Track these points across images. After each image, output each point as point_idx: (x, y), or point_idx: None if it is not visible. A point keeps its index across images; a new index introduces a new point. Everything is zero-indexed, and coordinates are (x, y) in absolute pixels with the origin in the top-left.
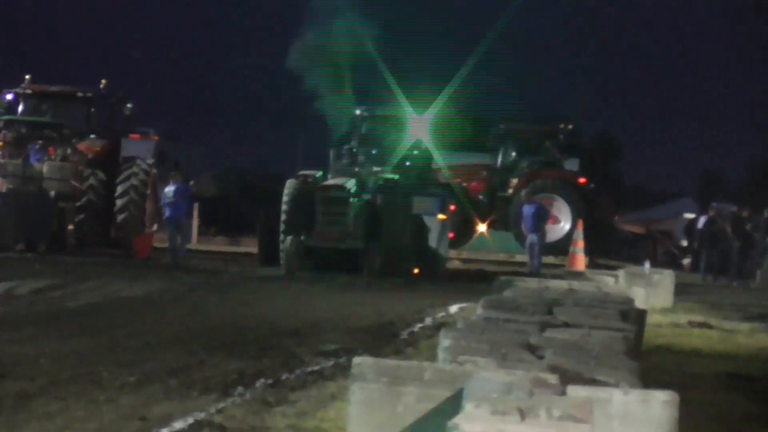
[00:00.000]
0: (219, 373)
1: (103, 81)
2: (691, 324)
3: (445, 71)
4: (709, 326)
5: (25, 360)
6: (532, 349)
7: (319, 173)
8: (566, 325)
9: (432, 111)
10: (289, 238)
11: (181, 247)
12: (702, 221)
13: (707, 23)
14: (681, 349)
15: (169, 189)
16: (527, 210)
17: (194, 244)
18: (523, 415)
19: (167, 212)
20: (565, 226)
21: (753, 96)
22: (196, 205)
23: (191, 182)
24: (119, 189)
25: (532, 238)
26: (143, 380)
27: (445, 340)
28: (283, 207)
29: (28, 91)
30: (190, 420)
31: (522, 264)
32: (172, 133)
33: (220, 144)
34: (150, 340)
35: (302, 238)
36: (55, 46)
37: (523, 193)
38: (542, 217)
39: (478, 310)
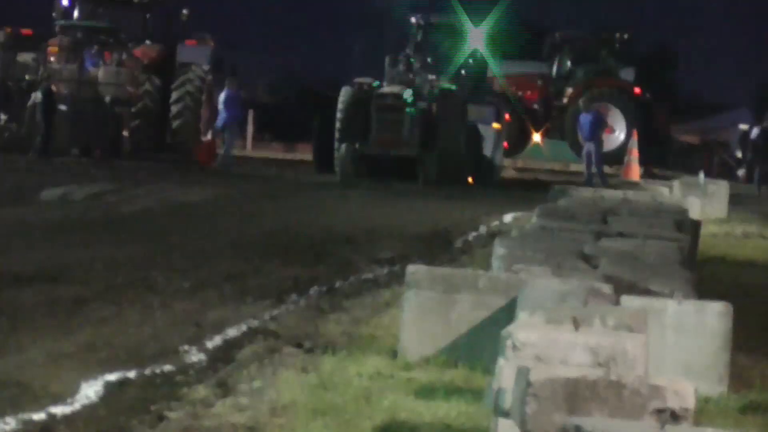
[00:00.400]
0: (273, 280)
1: None
2: (746, 235)
3: None
4: (764, 237)
5: (80, 265)
6: (586, 258)
7: (376, 81)
8: (621, 234)
9: (488, 19)
10: (344, 146)
11: (227, 151)
12: (755, 132)
13: None
14: (735, 260)
15: (221, 95)
16: (584, 118)
17: (249, 150)
18: (577, 323)
19: (218, 118)
20: (620, 135)
21: None
22: (251, 112)
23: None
24: (174, 95)
25: (588, 146)
26: (197, 286)
27: (499, 249)
28: (339, 114)
29: None
30: (244, 327)
31: (577, 173)
32: (228, 39)
33: (277, 50)
34: (205, 246)
35: (357, 145)
36: None
37: (581, 101)
38: (600, 125)
39: (533, 219)
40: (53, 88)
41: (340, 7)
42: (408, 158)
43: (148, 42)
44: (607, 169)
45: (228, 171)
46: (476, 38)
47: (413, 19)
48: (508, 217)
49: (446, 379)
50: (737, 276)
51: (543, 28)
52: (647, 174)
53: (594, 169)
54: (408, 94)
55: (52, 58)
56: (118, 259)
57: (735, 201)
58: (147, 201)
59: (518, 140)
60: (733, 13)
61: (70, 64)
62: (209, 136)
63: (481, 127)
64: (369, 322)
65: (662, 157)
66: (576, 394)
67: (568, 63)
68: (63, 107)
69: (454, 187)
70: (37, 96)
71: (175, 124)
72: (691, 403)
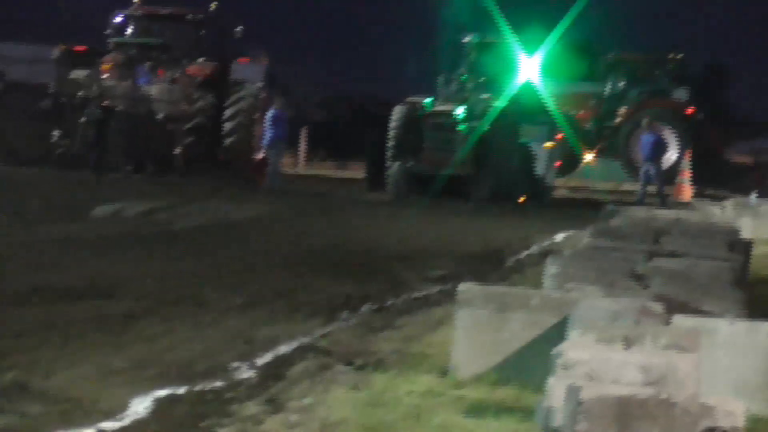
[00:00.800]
0: (325, 297)
1: (213, 4)
2: None
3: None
4: None
5: (132, 281)
6: (638, 277)
7: (428, 100)
8: (673, 254)
9: (542, 39)
10: (396, 164)
11: (273, 169)
12: None
13: None
14: None
15: (268, 114)
16: (646, 139)
17: (301, 168)
18: (628, 343)
19: (265, 137)
20: (673, 155)
21: None
22: (304, 129)
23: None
24: (228, 112)
25: (648, 167)
26: (249, 303)
27: (551, 268)
28: (391, 132)
29: (138, 13)
30: (295, 344)
31: (629, 193)
32: (281, 57)
33: (330, 68)
34: (256, 263)
35: (409, 163)
36: None
37: (644, 122)
38: (661, 147)
39: (585, 238)
40: (107, 104)
41: (395, 25)
42: (460, 177)
43: (201, 59)
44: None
45: (277, 189)
46: (530, 66)
47: (467, 39)
48: (560, 236)
49: (497, 398)
50: None
51: (597, 48)
52: (699, 194)
53: (648, 189)
54: (460, 111)
55: (105, 75)
56: (170, 275)
57: None
58: (199, 218)
59: (571, 159)
60: None
61: (124, 80)
62: (262, 154)
63: (534, 147)
64: (420, 340)
65: (715, 178)
66: (627, 413)
67: (622, 83)
68: (115, 124)
69: (506, 207)
70: (91, 113)
71: (228, 141)
72: (741, 422)
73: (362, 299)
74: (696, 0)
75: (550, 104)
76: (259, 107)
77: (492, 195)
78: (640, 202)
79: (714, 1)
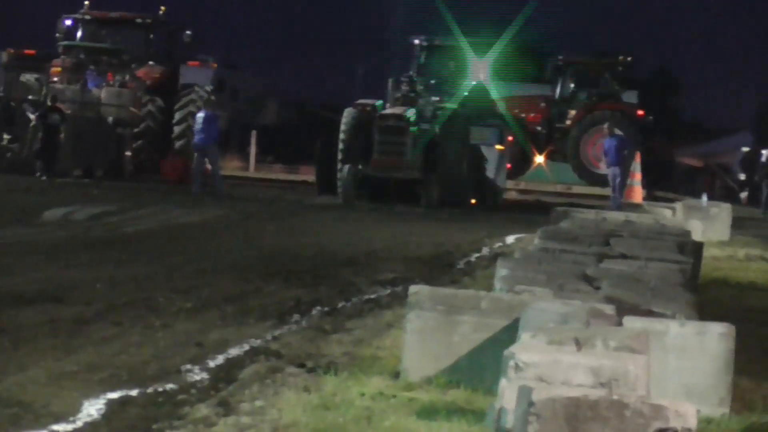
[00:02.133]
0: (275, 301)
1: (163, 8)
2: (748, 257)
3: (504, 2)
4: (766, 260)
5: (82, 285)
6: (588, 280)
7: (378, 102)
8: (623, 256)
9: (491, 41)
10: (346, 167)
11: (215, 174)
12: (765, 155)
13: None
14: (738, 282)
15: (199, 115)
16: (609, 143)
17: (251, 171)
18: (579, 345)
19: (195, 138)
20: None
21: None
22: (254, 133)
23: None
24: (177, 116)
25: (614, 171)
26: (199, 306)
27: (501, 270)
28: (341, 136)
29: (87, 17)
30: (246, 347)
31: (579, 196)
32: (229, 61)
33: (278, 72)
34: (206, 267)
35: (360, 167)
36: None
37: (605, 126)
38: (624, 150)
39: (535, 240)
40: (60, 107)
41: (343, 29)
42: (410, 180)
43: (151, 63)
44: (608, 191)
45: (223, 193)
46: (479, 68)
47: (416, 41)
48: (510, 239)
49: (448, 400)
50: (739, 299)
51: (546, 51)
52: (650, 196)
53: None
54: (410, 114)
55: (54, 79)
56: (120, 279)
57: (737, 224)
58: (149, 222)
59: (521, 162)
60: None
61: (73, 84)
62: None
63: (484, 149)
64: (371, 342)
65: (665, 180)
66: (578, 414)
67: (571, 86)
68: (63, 127)
69: (456, 209)
70: (43, 116)
71: (178, 144)
72: (693, 423)
73: (312, 303)
74: (645, 5)
75: (500, 107)
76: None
77: (442, 198)
78: (617, 207)
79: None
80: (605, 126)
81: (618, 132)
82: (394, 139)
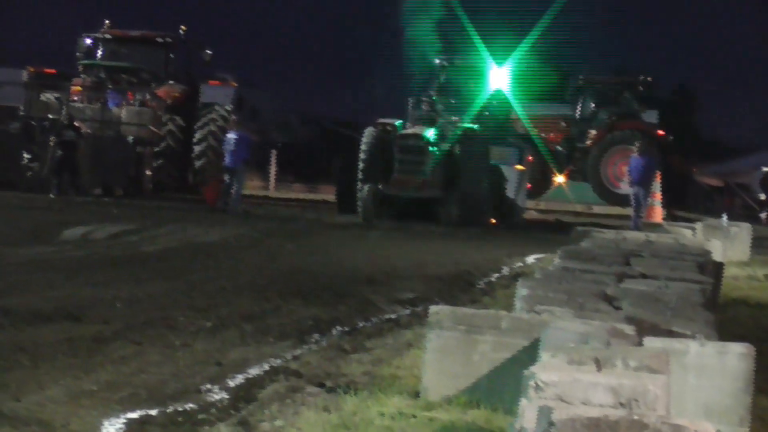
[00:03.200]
0: (295, 320)
1: (183, 27)
2: None
3: (526, 22)
4: None
5: (101, 303)
6: (608, 299)
7: (398, 122)
8: (643, 276)
9: (512, 61)
10: (366, 186)
11: (236, 194)
12: None
13: None
14: (757, 302)
15: (230, 136)
16: (636, 162)
17: (271, 191)
18: (599, 365)
19: (225, 159)
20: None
21: None
22: (273, 152)
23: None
24: (198, 135)
25: (638, 191)
26: (219, 325)
27: (522, 290)
28: (362, 155)
29: (107, 36)
30: (266, 366)
31: (599, 215)
32: (249, 80)
33: (299, 91)
34: (226, 286)
35: (380, 186)
36: None
37: (636, 144)
38: (652, 171)
39: (555, 260)
40: (79, 126)
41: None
42: (430, 199)
43: (171, 82)
44: (629, 211)
45: (240, 213)
46: (500, 79)
47: (437, 61)
48: (530, 259)
49: (468, 419)
50: (759, 318)
51: (567, 70)
52: (670, 216)
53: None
54: (430, 134)
55: (75, 98)
56: (139, 298)
57: (757, 244)
58: (168, 241)
59: (541, 181)
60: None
61: (93, 103)
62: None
63: (504, 169)
64: (391, 362)
65: (685, 200)
66: None
67: (592, 105)
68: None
69: (476, 229)
70: (60, 134)
71: (198, 163)
72: None
73: (332, 322)
74: (665, 24)
75: (521, 126)
76: (228, 130)
77: (462, 217)
78: (636, 227)
79: (683, 25)
80: (636, 144)
81: (647, 152)
82: (414, 159)
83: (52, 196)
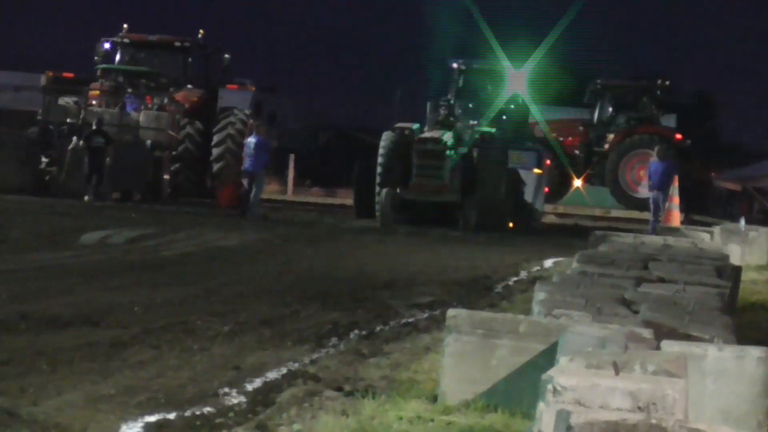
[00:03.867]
0: (313, 324)
1: (201, 31)
2: None
3: (544, 25)
4: None
5: (119, 308)
6: (626, 303)
7: (416, 126)
8: (661, 280)
9: (530, 65)
10: (384, 191)
11: (255, 199)
12: None
13: None
14: None
15: (250, 140)
16: (656, 166)
17: (289, 195)
18: (617, 369)
19: (245, 164)
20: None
21: None
22: (291, 157)
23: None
24: (216, 139)
25: (657, 195)
26: (237, 330)
27: (540, 294)
28: (380, 159)
29: (126, 40)
30: (284, 370)
31: (617, 219)
32: (268, 85)
33: (315, 95)
34: (244, 290)
35: (398, 190)
36: None
37: (657, 149)
38: (671, 175)
39: (573, 264)
40: (101, 131)
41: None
42: (448, 203)
43: (189, 86)
44: (647, 215)
45: (256, 218)
46: (518, 83)
47: (455, 65)
48: (548, 263)
49: (486, 424)
50: None
51: (585, 74)
52: (688, 220)
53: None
54: (448, 138)
55: (93, 102)
56: (157, 302)
57: None
58: (186, 245)
59: (559, 186)
60: None
61: (111, 107)
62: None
63: (522, 173)
64: (409, 366)
65: (703, 204)
66: None
67: (610, 109)
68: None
69: (494, 233)
70: (89, 139)
71: (216, 167)
72: None
73: (350, 326)
74: (684, 28)
75: (539, 131)
76: (247, 134)
77: (480, 222)
78: (653, 231)
79: (702, 29)
80: (656, 149)
81: (667, 156)
82: (433, 163)
83: (86, 198)
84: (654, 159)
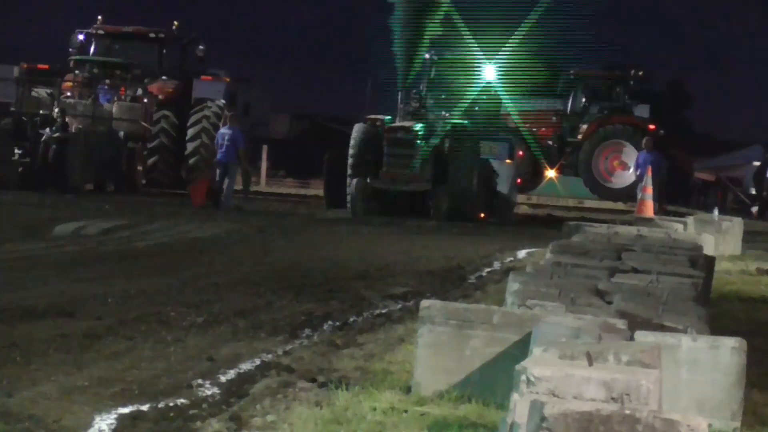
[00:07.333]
0: (287, 315)
1: (175, 22)
2: (760, 271)
3: (517, 15)
4: None
5: (93, 299)
6: (600, 294)
7: (388, 117)
8: (635, 270)
9: (502, 56)
10: (355, 181)
11: (228, 190)
12: None
13: None
14: (749, 297)
15: (224, 132)
16: (644, 157)
17: (263, 186)
18: (591, 359)
19: (218, 155)
20: (635, 172)
21: None
22: (264, 147)
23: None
24: (190, 131)
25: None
26: (211, 321)
27: (513, 284)
28: (351, 150)
29: (100, 32)
30: (258, 361)
31: (590, 210)
32: (242, 75)
33: (290, 86)
34: (218, 281)
35: (368, 180)
36: None
37: (644, 140)
38: (660, 167)
39: (546, 254)
40: (68, 122)
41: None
42: (420, 193)
43: (163, 77)
44: (621, 205)
45: (230, 209)
46: (490, 74)
47: (427, 55)
48: (522, 253)
49: (460, 414)
50: (751, 313)
51: (558, 64)
52: (661, 210)
53: None
54: (419, 128)
55: (66, 93)
56: (131, 293)
57: (749, 238)
58: (160, 236)
59: (533, 176)
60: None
61: (85, 99)
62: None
63: (495, 163)
64: (383, 357)
65: (677, 194)
66: (590, 429)
67: (583, 100)
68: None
69: (466, 223)
70: (54, 131)
71: (191, 160)
72: None
73: (324, 317)
74: (657, 18)
75: (511, 121)
76: (221, 125)
77: (452, 212)
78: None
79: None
80: (644, 140)
81: (655, 147)
82: (404, 152)
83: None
84: (643, 150)
